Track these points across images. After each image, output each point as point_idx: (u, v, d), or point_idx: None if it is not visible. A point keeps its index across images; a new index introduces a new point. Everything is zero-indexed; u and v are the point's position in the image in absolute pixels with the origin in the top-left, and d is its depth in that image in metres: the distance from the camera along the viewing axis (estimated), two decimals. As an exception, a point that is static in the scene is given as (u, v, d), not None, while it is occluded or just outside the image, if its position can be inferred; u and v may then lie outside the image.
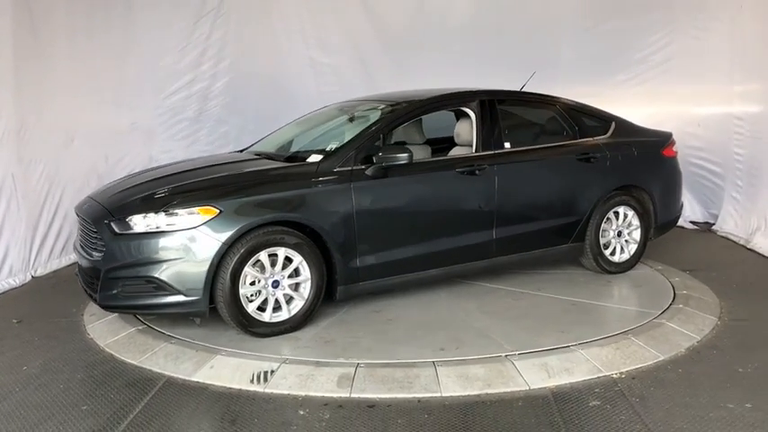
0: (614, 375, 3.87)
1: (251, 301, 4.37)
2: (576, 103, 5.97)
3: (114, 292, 4.32)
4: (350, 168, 4.66)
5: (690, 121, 7.68)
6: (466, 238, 5.07)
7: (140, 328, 4.66)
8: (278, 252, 4.39)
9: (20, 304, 5.52)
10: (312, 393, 3.71)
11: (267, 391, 3.77)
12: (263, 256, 4.34)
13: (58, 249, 6.70)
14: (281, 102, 8.43)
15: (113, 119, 7.83)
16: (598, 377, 3.85)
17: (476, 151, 5.19)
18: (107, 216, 4.42)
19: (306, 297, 4.51)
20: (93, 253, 4.48)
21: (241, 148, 6.13)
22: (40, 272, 6.39)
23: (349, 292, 4.73)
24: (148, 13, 8.01)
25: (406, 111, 5.26)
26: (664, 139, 6.16)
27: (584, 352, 4.06)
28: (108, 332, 4.68)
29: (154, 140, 8.35)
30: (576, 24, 8.21)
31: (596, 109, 6.07)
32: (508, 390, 3.71)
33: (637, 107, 7.52)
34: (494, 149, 5.21)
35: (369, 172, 4.68)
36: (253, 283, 4.36)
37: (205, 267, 4.18)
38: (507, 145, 5.30)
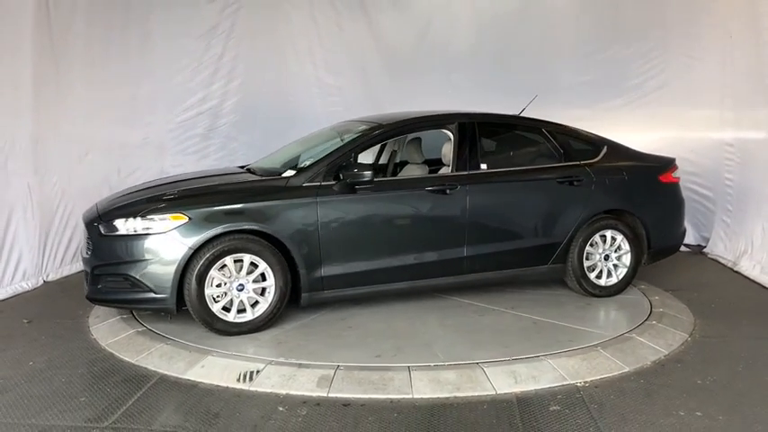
0: (578, 384, 4.11)
1: (217, 302, 4.77)
2: (565, 126, 6.08)
3: (99, 286, 4.86)
4: (317, 184, 5.01)
5: (683, 147, 7.85)
6: (435, 254, 5.31)
7: (140, 329, 4.97)
8: (243, 258, 4.78)
9: (31, 306, 5.86)
10: (293, 392, 3.99)
11: (252, 389, 4.05)
12: (228, 261, 4.75)
13: (69, 256, 7.05)
14: (288, 120, 8.75)
15: (126, 134, 8.19)
16: (563, 385, 4.09)
17: (451, 171, 5.45)
18: (97, 219, 4.92)
19: (269, 301, 4.87)
20: (89, 252, 4.94)
21: (244, 164, 6.43)
22: (52, 277, 6.74)
23: (313, 300, 5.07)
24: (162, 34, 8.37)
25: (382, 132, 5.55)
26: (662, 165, 6.15)
27: (552, 361, 4.30)
28: (109, 333, 4.99)
29: (165, 155, 8.70)
30: (574, 51, 8.47)
31: (587, 133, 6.15)
32: (476, 393, 3.97)
33: (632, 132, 7.70)
34: (468, 170, 5.43)
35: (336, 188, 5.02)
36: (219, 286, 4.77)
37: (173, 268, 4.63)
38: (484, 166, 5.50)
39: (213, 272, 4.71)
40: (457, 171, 5.44)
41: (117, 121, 8.02)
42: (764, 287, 6.31)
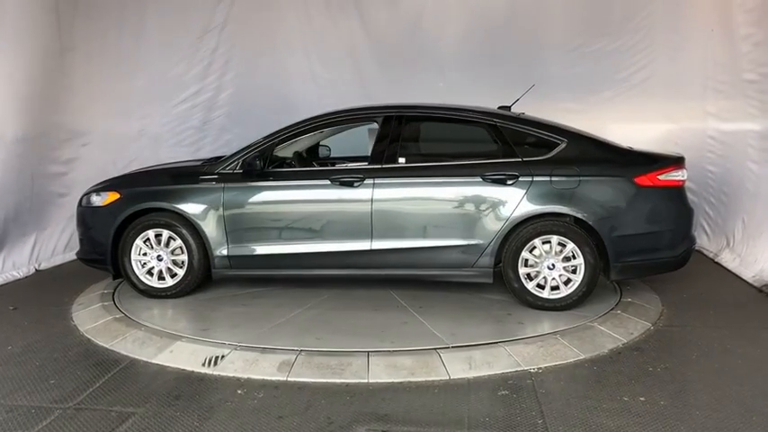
0: (532, 370, 4.22)
1: (144, 267, 5.58)
2: (520, 118, 5.63)
3: (81, 248, 5.88)
4: (228, 172, 5.51)
5: (669, 139, 7.89)
6: (339, 245, 5.38)
7: (117, 316, 5.17)
8: (162, 233, 5.54)
9: (20, 293, 6.11)
10: (254, 376, 4.15)
11: (215, 373, 4.22)
12: (150, 234, 5.56)
13: (62, 246, 7.27)
14: (282, 112, 8.76)
15: (123, 126, 8.40)
16: (516, 371, 4.20)
17: (368, 165, 5.46)
18: (82, 196, 5.88)
19: (182, 273, 5.57)
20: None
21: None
22: (44, 266, 6.97)
23: (222, 275, 5.60)
24: (157, 28, 8.53)
25: (307, 125, 5.74)
26: (642, 166, 5.21)
27: (508, 348, 4.42)
28: (89, 319, 5.19)
29: (161, 147, 8.84)
30: (563, 45, 8.49)
31: (546, 125, 5.52)
32: (429, 378, 4.10)
33: (621, 124, 7.82)
34: (383, 163, 5.37)
35: (241, 176, 5.46)
36: (145, 254, 5.59)
37: (106, 235, 5.55)
38: (402, 160, 5.41)
39: (138, 242, 5.55)
40: (371, 164, 5.43)
41: (113, 114, 8.24)
42: (742, 279, 6.35)
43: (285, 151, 6.00)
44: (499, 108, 6.07)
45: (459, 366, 4.20)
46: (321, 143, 6.90)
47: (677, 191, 5.33)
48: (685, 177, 5.39)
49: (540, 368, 4.25)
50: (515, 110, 6.09)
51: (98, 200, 5.68)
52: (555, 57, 8.54)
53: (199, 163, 6.19)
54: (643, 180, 5.14)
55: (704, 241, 7.60)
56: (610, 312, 5.17)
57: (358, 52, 9.08)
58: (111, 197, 5.61)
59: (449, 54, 8.81)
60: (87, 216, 5.77)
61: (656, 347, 4.62)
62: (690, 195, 7.63)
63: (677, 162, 5.36)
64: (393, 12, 9.02)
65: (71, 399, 3.86)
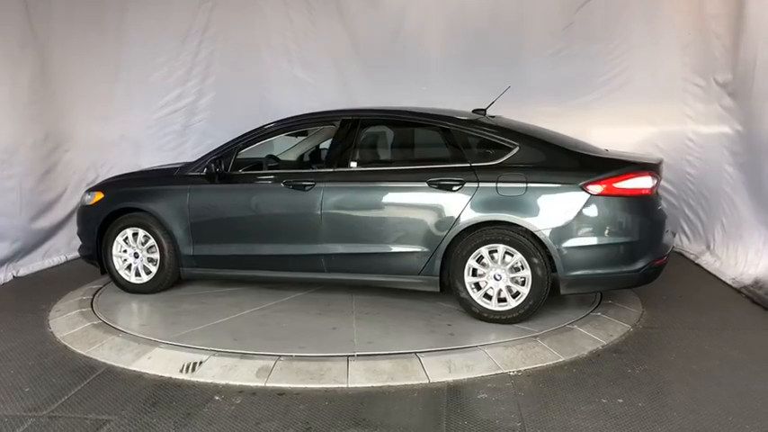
0: (511, 373, 4.21)
1: (124, 263, 5.89)
2: (476, 122, 5.44)
3: (80, 245, 6.25)
4: (196, 174, 5.72)
5: (650, 141, 7.94)
6: (291, 248, 5.43)
7: (95, 322, 5.13)
8: (138, 232, 5.82)
9: (-4, 300, 6.02)
10: (232, 382, 4.12)
11: (193, 379, 4.18)
12: (129, 232, 5.86)
13: (41, 253, 7.19)
14: (264, 116, 8.75)
15: (103, 131, 8.32)
16: (495, 374, 4.19)
17: (323, 168, 5.52)
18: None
19: (156, 270, 5.82)
20: None
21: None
22: (23, 272, 6.88)
23: (190, 274, 5.85)
24: (138, 31, 8.48)
25: (269, 129, 5.88)
26: (595, 173, 4.78)
27: (488, 351, 4.42)
28: (66, 326, 5.14)
29: (142, 152, 8.77)
30: (544, 49, 8.52)
31: (502, 129, 5.29)
32: (409, 382, 4.08)
33: (601, 127, 7.85)
34: (335, 167, 5.39)
35: (205, 179, 5.64)
36: (125, 251, 5.88)
37: (92, 232, 5.92)
38: (353, 164, 5.39)
39: (118, 238, 5.85)
40: (325, 168, 5.49)
41: (94, 119, 8.17)
42: (722, 281, 6.37)
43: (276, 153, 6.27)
44: (474, 111, 6.00)
45: (438, 370, 4.19)
46: (321, 147, 6.88)
47: (639, 200, 4.86)
48: (652, 185, 4.90)
49: (520, 371, 4.24)
50: (491, 113, 6.07)
51: (88, 199, 6.07)
52: (536, 60, 8.55)
53: (168, 164, 6.39)
54: (595, 188, 4.75)
55: (685, 243, 7.66)
56: (590, 314, 5.18)
57: (340, 56, 9.05)
58: (97, 197, 6.00)
59: (431, 57, 8.81)
60: (81, 214, 6.19)
61: (635, 349, 4.63)
62: (670, 198, 7.79)
63: (642, 169, 4.91)
64: (375, 15, 8.99)
65: (45, 407, 3.81)
